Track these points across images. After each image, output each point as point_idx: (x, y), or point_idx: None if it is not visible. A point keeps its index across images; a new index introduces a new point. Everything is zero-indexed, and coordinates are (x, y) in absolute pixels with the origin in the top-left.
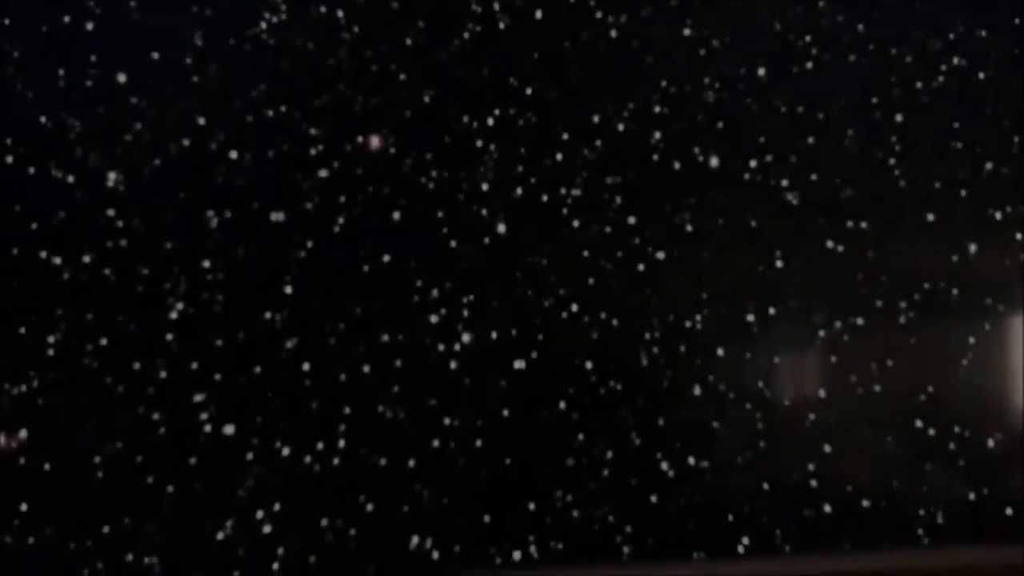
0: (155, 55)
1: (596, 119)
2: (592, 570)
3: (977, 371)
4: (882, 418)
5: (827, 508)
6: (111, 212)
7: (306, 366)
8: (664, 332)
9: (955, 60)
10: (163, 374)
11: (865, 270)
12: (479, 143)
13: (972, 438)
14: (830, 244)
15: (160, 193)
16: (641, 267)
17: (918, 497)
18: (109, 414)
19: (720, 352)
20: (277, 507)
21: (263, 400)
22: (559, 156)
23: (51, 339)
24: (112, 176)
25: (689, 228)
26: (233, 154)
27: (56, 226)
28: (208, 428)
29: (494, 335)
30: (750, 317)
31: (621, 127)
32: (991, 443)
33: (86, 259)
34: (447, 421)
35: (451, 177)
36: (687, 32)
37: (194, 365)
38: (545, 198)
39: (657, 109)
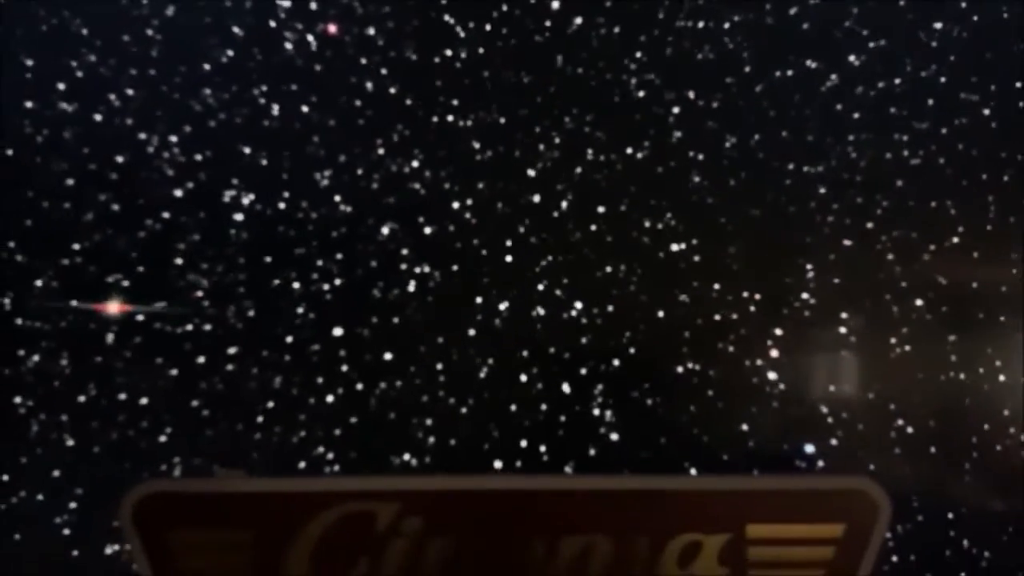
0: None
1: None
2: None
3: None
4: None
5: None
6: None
7: (312, 315)
8: (577, 310)
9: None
10: (207, 326)
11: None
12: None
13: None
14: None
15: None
16: (560, 258)
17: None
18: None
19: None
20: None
21: (282, 348)
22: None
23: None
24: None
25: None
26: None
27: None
28: (230, 366)
29: (455, 303)
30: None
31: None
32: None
33: (153, 242)
34: (416, 361)
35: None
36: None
37: (233, 322)
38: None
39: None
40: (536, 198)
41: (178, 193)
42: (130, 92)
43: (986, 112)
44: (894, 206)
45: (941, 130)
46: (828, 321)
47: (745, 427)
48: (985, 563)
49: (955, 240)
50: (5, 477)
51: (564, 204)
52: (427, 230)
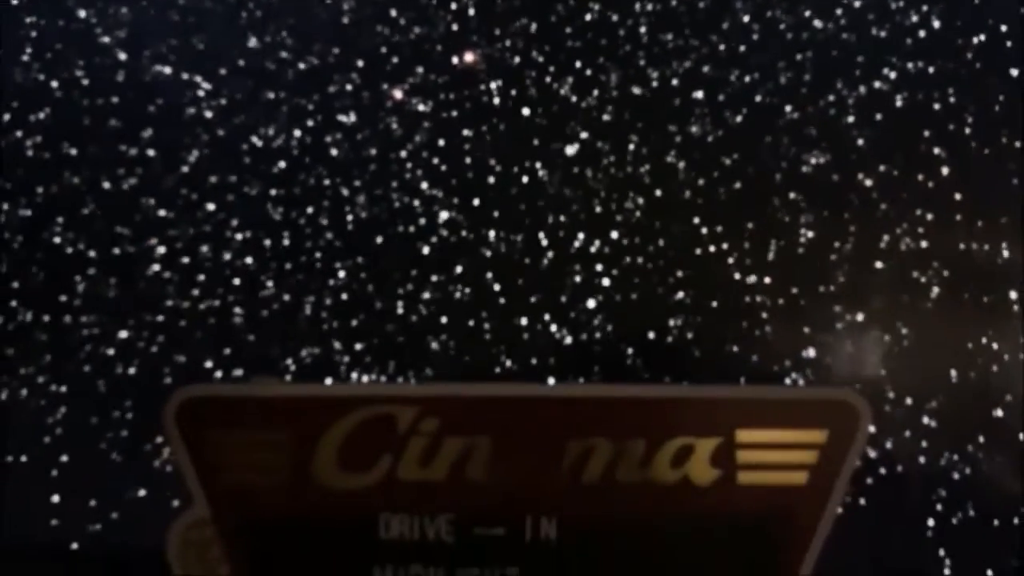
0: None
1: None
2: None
3: None
4: None
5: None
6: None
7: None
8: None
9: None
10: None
11: None
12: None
13: None
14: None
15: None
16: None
17: None
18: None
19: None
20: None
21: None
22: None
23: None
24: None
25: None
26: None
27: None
28: (266, 291)
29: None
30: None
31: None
32: None
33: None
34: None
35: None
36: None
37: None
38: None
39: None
40: (547, 137)
41: (220, 132)
42: (173, 41)
43: (974, 50)
44: (880, 142)
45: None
46: (820, 248)
47: (736, 348)
48: (959, 476)
49: (943, 174)
50: (62, 388)
51: (574, 144)
52: (443, 168)
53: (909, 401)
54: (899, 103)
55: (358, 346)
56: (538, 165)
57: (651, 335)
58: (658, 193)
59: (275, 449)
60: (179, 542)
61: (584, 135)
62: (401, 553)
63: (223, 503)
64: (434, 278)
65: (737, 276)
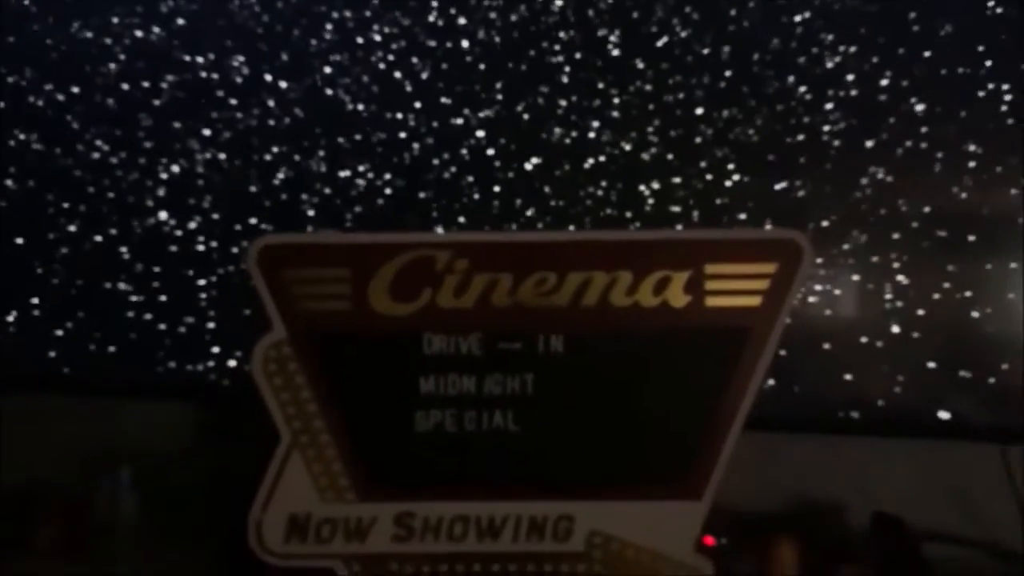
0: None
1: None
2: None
3: None
4: None
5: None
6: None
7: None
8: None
9: None
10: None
11: None
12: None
13: None
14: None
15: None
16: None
17: None
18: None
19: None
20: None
21: None
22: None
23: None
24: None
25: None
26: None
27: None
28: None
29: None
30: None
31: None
32: None
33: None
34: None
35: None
36: None
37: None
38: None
39: None
40: (556, 40)
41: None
42: None
43: None
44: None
45: None
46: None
47: (707, 201)
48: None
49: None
50: (155, 248)
51: None
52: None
53: (851, 238)
54: None
55: (402, 205)
56: (553, 59)
57: (640, 191)
58: (648, 87)
59: (338, 283)
60: (262, 359)
61: (584, 36)
62: (441, 364)
63: (296, 326)
64: (463, 151)
65: (713, 146)
